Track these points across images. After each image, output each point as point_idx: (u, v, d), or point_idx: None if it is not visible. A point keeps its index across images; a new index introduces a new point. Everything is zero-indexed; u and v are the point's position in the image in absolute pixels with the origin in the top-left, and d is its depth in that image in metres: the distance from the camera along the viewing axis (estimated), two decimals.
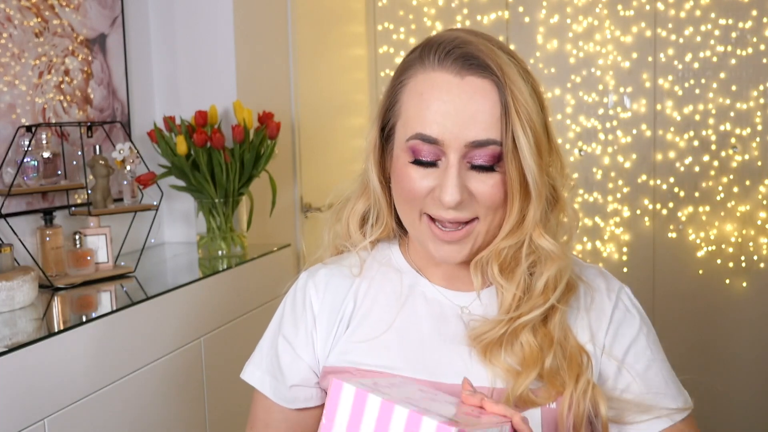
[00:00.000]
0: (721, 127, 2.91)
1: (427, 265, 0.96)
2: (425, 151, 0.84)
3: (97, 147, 1.79)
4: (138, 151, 1.80)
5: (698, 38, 2.90)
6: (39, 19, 1.77)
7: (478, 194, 0.84)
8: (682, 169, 2.96)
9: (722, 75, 2.89)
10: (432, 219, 0.87)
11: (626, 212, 3.02)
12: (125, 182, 1.80)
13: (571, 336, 0.89)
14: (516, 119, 0.81)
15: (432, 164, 0.85)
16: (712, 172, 2.93)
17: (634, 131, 2.99)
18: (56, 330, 1.28)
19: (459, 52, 0.84)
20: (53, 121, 1.81)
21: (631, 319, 0.93)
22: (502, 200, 0.84)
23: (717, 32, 2.88)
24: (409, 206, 0.88)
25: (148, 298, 1.52)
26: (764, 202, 2.89)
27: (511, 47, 3.03)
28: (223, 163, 1.94)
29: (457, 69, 0.83)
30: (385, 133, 0.92)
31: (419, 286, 0.95)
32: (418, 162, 0.85)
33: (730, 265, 2.94)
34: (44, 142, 1.68)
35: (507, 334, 0.86)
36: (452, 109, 0.82)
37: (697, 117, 2.93)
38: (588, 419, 0.86)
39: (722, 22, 2.87)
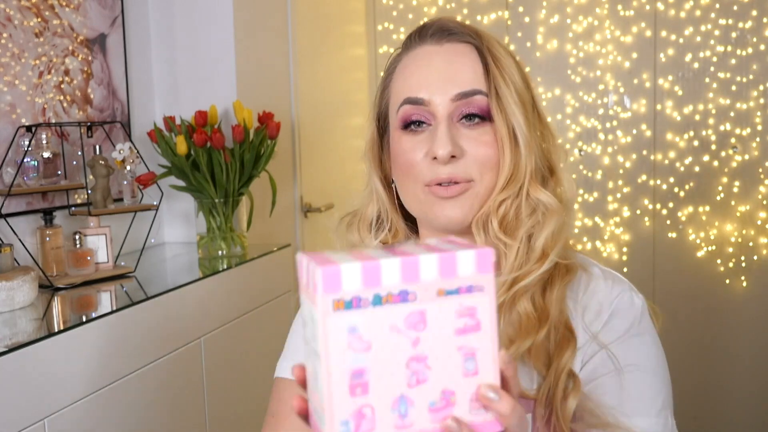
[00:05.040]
0: (721, 127, 2.91)
1: None
2: (415, 114, 0.87)
3: (97, 147, 1.79)
4: (138, 151, 1.80)
5: (698, 38, 2.90)
6: (39, 19, 1.77)
7: (471, 152, 0.86)
8: (682, 169, 2.95)
9: (722, 75, 2.89)
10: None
11: (626, 212, 3.02)
12: (125, 182, 1.80)
13: (565, 321, 0.86)
14: (497, 73, 0.86)
15: (421, 126, 0.87)
16: (712, 172, 2.93)
17: (634, 131, 2.99)
18: (56, 330, 1.28)
19: (436, 26, 0.90)
20: (53, 121, 1.80)
21: (625, 314, 0.88)
22: (495, 158, 0.86)
23: (717, 32, 2.88)
24: (411, 181, 0.89)
25: (148, 298, 1.51)
26: (764, 202, 2.89)
27: (511, 47, 3.06)
28: (223, 163, 1.94)
29: (436, 39, 0.89)
30: (381, 125, 0.95)
31: None
32: (408, 128, 0.88)
33: (730, 265, 2.94)
34: (44, 142, 1.68)
35: (506, 302, 0.85)
36: (434, 71, 0.87)
37: (697, 117, 2.93)
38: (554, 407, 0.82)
39: (722, 22, 2.87)
